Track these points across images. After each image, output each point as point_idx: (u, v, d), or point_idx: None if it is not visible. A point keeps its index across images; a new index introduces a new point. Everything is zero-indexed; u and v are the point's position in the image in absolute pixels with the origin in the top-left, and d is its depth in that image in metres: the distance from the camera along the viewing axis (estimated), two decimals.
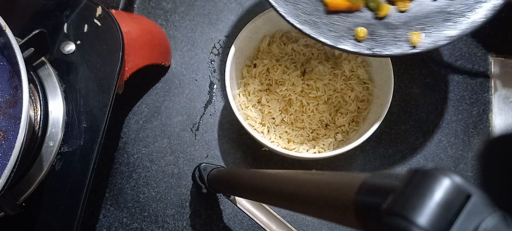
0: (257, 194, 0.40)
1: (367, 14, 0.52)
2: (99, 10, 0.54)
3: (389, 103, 0.53)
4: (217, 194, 0.58)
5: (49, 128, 0.51)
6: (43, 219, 0.49)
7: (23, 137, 0.40)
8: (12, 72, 0.46)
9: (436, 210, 0.19)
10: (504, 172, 0.19)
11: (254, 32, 0.58)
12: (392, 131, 0.62)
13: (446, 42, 0.48)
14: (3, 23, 0.44)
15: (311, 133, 0.56)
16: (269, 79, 0.58)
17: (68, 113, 0.52)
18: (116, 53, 0.53)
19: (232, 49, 0.55)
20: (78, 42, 0.54)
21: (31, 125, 0.49)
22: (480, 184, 0.19)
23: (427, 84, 0.63)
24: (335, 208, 0.25)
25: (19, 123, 0.41)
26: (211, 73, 0.64)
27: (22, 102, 0.41)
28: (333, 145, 0.56)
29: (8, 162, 0.39)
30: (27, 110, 0.41)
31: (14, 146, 0.40)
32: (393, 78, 0.54)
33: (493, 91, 0.63)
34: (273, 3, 0.48)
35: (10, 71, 0.46)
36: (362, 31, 0.49)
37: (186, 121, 0.62)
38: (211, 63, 0.65)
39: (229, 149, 0.61)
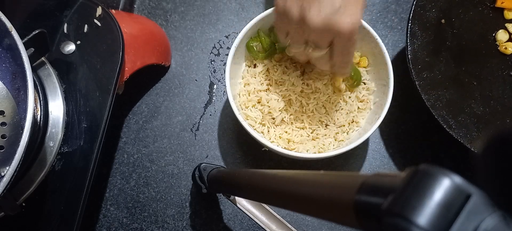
0: (257, 194, 0.40)
1: None
2: (99, 10, 0.54)
3: (389, 103, 0.53)
4: (217, 194, 0.58)
5: (49, 128, 0.51)
6: (43, 219, 0.49)
7: (27, 138, 0.40)
8: (15, 73, 0.46)
9: (436, 210, 0.19)
10: (504, 172, 0.19)
11: (254, 32, 0.58)
12: (392, 131, 0.62)
13: None
14: (9, 25, 0.44)
15: (311, 133, 0.56)
16: (269, 79, 0.58)
17: (68, 113, 0.52)
18: (116, 53, 0.53)
19: (232, 49, 0.55)
20: (78, 42, 0.54)
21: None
22: (480, 184, 0.19)
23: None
24: (335, 208, 0.25)
25: (23, 124, 0.41)
26: (211, 73, 0.64)
27: (25, 104, 0.41)
28: (333, 145, 0.56)
29: (11, 163, 0.39)
30: (32, 111, 0.41)
31: (17, 147, 0.40)
32: (393, 78, 0.54)
33: None
34: None
35: (12, 73, 0.46)
36: None
37: (186, 121, 0.62)
38: (211, 63, 0.65)
39: (229, 149, 0.61)
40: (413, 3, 0.58)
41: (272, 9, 0.57)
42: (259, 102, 0.57)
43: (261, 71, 0.58)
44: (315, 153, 0.55)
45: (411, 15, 0.57)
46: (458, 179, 0.19)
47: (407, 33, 0.57)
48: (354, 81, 0.56)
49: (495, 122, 0.56)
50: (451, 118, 0.55)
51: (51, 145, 0.50)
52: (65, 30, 0.54)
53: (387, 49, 0.55)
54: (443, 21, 0.60)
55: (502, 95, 0.58)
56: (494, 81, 0.58)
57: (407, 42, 0.56)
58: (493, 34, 0.61)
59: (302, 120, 0.56)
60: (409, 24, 0.57)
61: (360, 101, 0.57)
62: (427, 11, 0.59)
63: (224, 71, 0.55)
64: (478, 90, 0.58)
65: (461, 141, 0.53)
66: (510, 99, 0.57)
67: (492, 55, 0.60)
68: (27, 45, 0.47)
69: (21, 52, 0.43)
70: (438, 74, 0.58)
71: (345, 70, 0.51)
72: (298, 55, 0.53)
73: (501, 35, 0.60)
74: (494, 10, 0.61)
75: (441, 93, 0.57)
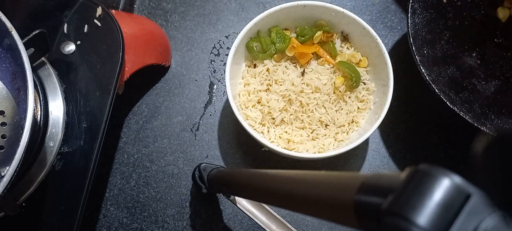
0: (257, 194, 0.40)
1: None
2: (99, 11, 0.54)
3: (389, 103, 0.53)
4: (217, 194, 0.58)
5: (49, 128, 0.51)
6: (43, 219, 0.49)
7: (27, 138, 0.40)
8: (15, 73, 0.46)
9: (436, 210, 0.19)
10: (504, 172, 0.19)
11: (254, 32, 0.58)
12: (392, 131, 0.62)
13: None
14: (9, 25, 0.44)
15: (311, 133, 0.56)
16: (269, 79, 0.58)
17: (68, 113, 0.52)
18: (116, 53, 0.53)
19: (232, 50, 0.55)
20: (78, 42, 0.54)
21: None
22: (480, 184, 0.19)
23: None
24: (335, 208, 0.25)
25: (23, 124, 0.41)
26: (211, 74, 0.64)
27: (25, 104, 0.41)
28: (333, 145, 0.56)
29: (11, 163, 0.39)
30: (32, 111, 0.41)
31: (17, 147, 0.40)
32: (393, 79, 0.54)
33: None
34: None
35: (12, 73, 0.46)
36: None
37: (186, 121, 0.62)
38: (211, 64, 0.65)
39: (229, 149, 0.61)
40: None
41: (272, 9, 0.57)
42: (259, 102, 0.57)
43: (261, 71, 0.58)
44: (315, 153, 0.55)
45: None
46: (458, 179, 0.19)
47: (408, 10, 0.57)
48: (354, 81, 0.56)
49: (500, 100, 0.55)
50: (453, 94, 0.55)
51: (51, 145, 0.50)
52: (65, 30, 0.54)
53: (387, 49, 0.55)
54: (445, 0, 0.59)
55: (506, 75, 0.57)
56: (497, 60, 0.58)
57: (408, 19, 0.56)
58: (494, 10, 0.60)
59: (302, 120, 0.56)
60: (410, 2, 0.57)
61: (360, 102, 0.57)
62: None
63: (224, 71, 0.55)
64: (481, 69, 0.57)
65: (465, 117, 0.52)
66: None
67: (495, 34, 0.60)
68: (27, 45, 0.47)
69: (21, 52, 0.43)
70: (439, 51, 0.57)
71: None
72: None
73: (501, 12, 0.60)
74: None
75: (443, 70, 0.56)
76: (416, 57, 0.54)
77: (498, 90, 0.56)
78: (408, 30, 0.56)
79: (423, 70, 0.54)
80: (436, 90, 0.53)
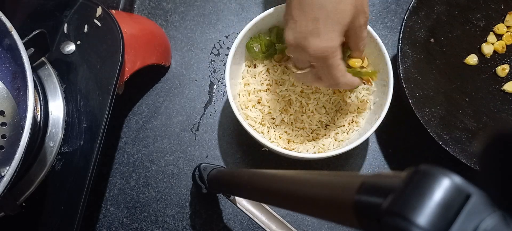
0: (257, 194, 0.40)
1: None
2: (99, 11, 0.54)
3: (389, 103, 0.53)
4: (217, 194, 0.58)
5: (49, 128, 0.51)
6: (43, 219, 0.49)
7: (27, 138, 0.40)
8: (15, 73, 0.46)
9: (436, 210, 0.19)
10: (504, 172, 0.19)
11: (254, 32, 0.58)
12: (392, 131, 0.62)
13: None
14: (9, 25, 0.44)
15: (311, 133, 0.56)
16: (269, 79, 0.58)
17: (68, 113, 0.52)
18: (116, 53, 0.53)
19: (232, 50, 0.55)
20: (78, 42, 0.54)
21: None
22: (480, 184, 0.19)
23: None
24: (335, 208, 0.25)
25: (23, 124, 0.41)
26: (211, 74, 0.64)
27: (25, 104, 0.41)
28: (333, 145, 0.56)
29: (11, 163, 0.39)
30: (32, 111, 0.41)
31: (17, 147, 0.40)
32: (393, 79, 0.54)
33: None
34: None
35: (12, 73, 0.46)
36: None
37: (186, 121, 0.62)
38: (211, 64, 0.65)
39: (229, 149, 0.61)
40: (402, 24, 0.58)
41: (272, 9, 0.57)
42: (259, 102, 0.57)
43: (261, 71, 0.58)
44: (315, 153, 0.55)
45: (401, 35, 0.58)
46: (458, 179, 0.19)
47: (398, 53, 0.57)
48: None
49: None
50: (446, 134, 0.55)
51: (51, 145, 0.50)
52: (65, 30, 0.54)
53: (387, 49, 0.55)
54: (432, 40, 0.60)
55: (493, 110, 0.58)
56: (484, 97, 0.59)
57: (398, 62, 0.56)
58: (478, 47, 0.62)
59: (302, 120, 0.56)
60: (400, 44, 0.57)
61: (360, 102, 0.57)
62: (417, 31, 0.60)
63: (224, 71, 0.55)
64: (470, 106, 0.58)
65: (457, 157, 0.53)
66: (501, 113, 0.57)
67: (481, 71, 0.61)
68: (27, 45, 0.47)
69: (21, 52, 0.43)
70: (430, 92, 0.58)
71: (337, 88, 0.50)
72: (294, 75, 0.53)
73: (486, 48, 0.61)
74: (480, 28, 0.62)
75: (435, 110, 0.57)
76: (409, 100, 0.55)
77: (486, 126, 0.57)
78: (399, 73, 0.55)
79: (417, 113, 0.54)
80: (430, 133, 0.53)
